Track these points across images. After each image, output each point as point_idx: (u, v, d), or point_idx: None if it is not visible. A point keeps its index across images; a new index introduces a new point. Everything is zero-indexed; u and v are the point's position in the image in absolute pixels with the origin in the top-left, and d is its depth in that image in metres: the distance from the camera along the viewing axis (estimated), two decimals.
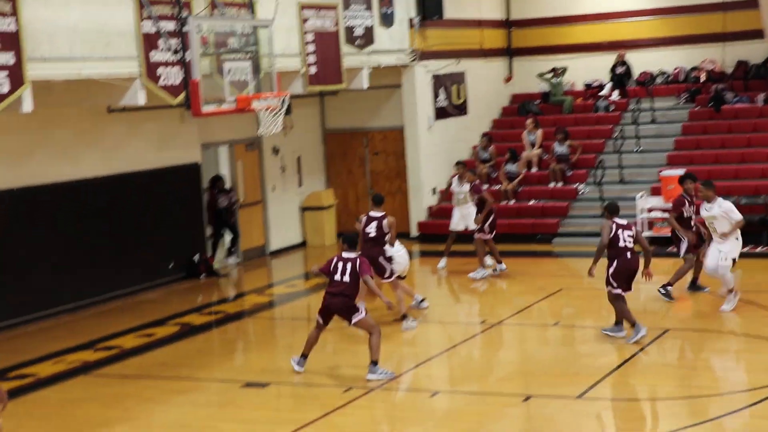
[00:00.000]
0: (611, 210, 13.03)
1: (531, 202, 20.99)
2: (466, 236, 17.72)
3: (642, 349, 12.49)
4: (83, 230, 16.52)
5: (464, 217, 17.74)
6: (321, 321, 11.95)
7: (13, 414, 11.12)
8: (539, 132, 21.99)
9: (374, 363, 11.72)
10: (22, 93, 12.73)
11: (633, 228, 12.84)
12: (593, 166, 21.29)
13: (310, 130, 22.01)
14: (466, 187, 17.54)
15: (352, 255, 11.85)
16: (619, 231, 12.74)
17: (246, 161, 20.30)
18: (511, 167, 21.39)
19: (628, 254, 12.75)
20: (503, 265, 17.24)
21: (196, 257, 18.58)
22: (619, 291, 12.78)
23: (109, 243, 16.93)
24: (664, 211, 19.52)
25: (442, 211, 21.04)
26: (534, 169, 21.75)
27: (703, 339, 12.99)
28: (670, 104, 22.73)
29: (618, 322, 13.02)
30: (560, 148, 21.52)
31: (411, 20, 20.95)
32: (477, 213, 17.14)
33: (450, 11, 21.76)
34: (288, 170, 21.23)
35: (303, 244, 21.35)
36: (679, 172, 19.81)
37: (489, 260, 17.38)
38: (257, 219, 20.52)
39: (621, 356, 12.28)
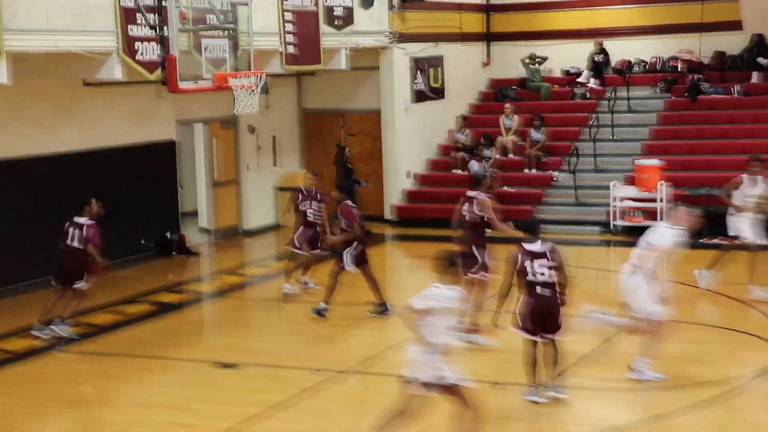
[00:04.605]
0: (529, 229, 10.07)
1: (506, 188, 21.03)
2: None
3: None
4: (57, 204, 16.37)
5: (756, 225, 14.24)
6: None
7: None
8: (516, 117, 22.02)
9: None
10: None
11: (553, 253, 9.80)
12: (569, 153, 21.34)
13: (287, 110, 21.92)
14: (763, 187, 13.99)
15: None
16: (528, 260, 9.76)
17: (221, 139, 20.20)
18: (486, 152, 21.41)
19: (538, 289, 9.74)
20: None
21: (169, 234, 18.53)
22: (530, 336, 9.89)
23: None
24: (637, 200, 19.61)
25: (416, 195, 21.23)
26: (510, 155, 21.79)
27: None
28: (647, 93, 22.80)
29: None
30: (536, 135, 21.55)
31: (390, 2, 20.88)
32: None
33: None
34: (263, 149, 21.14)
35: (277, 227, 21.16)
36: (654, 161, 19.91)
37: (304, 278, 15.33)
38: (231, 198, 20.44)
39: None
